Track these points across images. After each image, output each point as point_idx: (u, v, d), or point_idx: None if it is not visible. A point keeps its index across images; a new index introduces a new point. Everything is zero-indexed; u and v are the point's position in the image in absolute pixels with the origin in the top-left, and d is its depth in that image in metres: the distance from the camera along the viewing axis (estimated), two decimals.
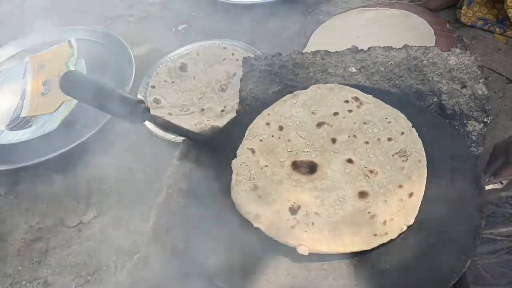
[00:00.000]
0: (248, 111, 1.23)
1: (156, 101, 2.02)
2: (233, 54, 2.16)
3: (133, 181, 1.81)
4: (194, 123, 1.89)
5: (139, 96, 2.05)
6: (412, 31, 1.97)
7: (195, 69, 2.16)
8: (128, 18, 2.64)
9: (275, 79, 1.31)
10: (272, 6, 2.42)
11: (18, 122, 2.09)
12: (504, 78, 1.87)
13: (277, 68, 1.33)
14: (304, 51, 2.00)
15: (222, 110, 1.95)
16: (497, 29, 2.07)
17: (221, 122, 1.21)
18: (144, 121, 1.18)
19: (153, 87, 2.08)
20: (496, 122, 1.70)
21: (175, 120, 1.90)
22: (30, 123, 2.08)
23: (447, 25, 2.00)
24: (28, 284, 1.58)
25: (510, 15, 1.97)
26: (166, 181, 1.14)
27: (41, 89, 2.20)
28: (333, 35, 2.11)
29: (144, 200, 1.71)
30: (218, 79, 2.10)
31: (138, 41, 2.45)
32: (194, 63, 2.17)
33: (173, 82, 2.12)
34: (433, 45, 1.88)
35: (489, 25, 2.08)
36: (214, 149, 1.13)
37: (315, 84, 1.22)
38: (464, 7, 2.10)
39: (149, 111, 1.19)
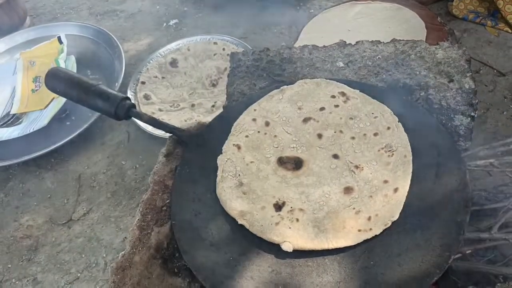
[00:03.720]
0: (234, 106, 1.22)
1: (146, 97, 2.01)
2: (224, 49, 2.15)
3: (123, 178, 1.80)
4: (184, 119, 1.88)
5: (129, 92, 2.04)
6: (403, 25, 1.96)
7: (185, 65, 2.14)
8: (119, 13, 2.63)
9: (262, 74, 1.30)
10: (263, 1, 2.41)
11: (8, 119, 2.08)
12: (495, 71, 1.86)
13: (264, 63, 1.32)
14: (295, 45, 2.00)
15: (213, 106, 1.94)
16: (489, 22, 2.06)
17: (211, 118, 1.20)
18: (130, 118, 1.18)
19: (143, 83, 2.07)
20: (486, 115, 1.70)
21: (165, 116, 1.91)
22: (21, 120, 2.07)
23: (439, 18, 1.99)
24: (17, 282, 1.58)
25: (500, 7, 1.96)
26: (152, 178, 1.14)
27: (31, 85, 2.19)
28: (324, 29, 2.10)
29: (134, 197, 1.71)
30: (208, 75, 2.08)
31: (128, 36, 2.45)
32: (185, 58, 2.16)
33: (163, 77, 2.11)
34: (424, 38, 1.88)
35: (480, 17, 2.07)
36: (200, 146, 1.12)
37: (302, 79, 1.21)
38: (455, 0, 2.09)
39: (135, 108, 1.18)
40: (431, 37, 1.88)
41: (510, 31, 2.00)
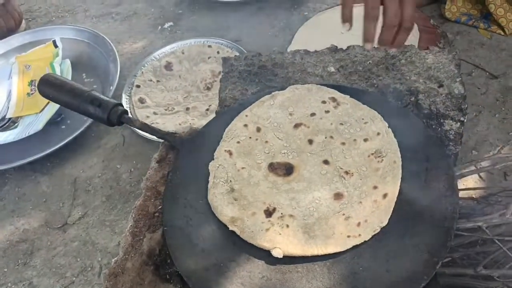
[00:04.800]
0: (226, 112, 1.23)
1: (141, 100, 2.01)
2: (218, 52, 2.16)
3: (118, 182, 1.81)
4: (179, 122, 1.89)
5: (124, 96, 2.05)
6: None
7: (180, 68, 2.15)
8: (114, 16, 2.63)
9: (255, 80, 1.31)
10: (258, 3, 2.43)
11: (4, 123, 2.08)
12: (487, 73, 1.87)
13: (256, 69, 1.33)
14: (289, 48, 2.01)
15: (207, 109, 1.94)
16: (481, 24, 2.07)
17: (206, 121, 1.21)
18: (122, 124, 1.18)
19: (138, 86, 2.07)
20: (478, 118, 1.70)
21: (160, 120, 1.92)
22: (16, 124, 2.07)
23: (431, 21, 2.00)
24: (13, 286, 1.58)
25: (492, 11, 1.97)
26: (144, 184, 1.15)
27: (27, 89, 2.19)
28: (318, 32, 2.11)
29: (129, 201, 1.72)
30: (203, 78, 2.09)
31: (124, 39, 2.45)
32: (179, 61, 2.17)
33: (158, 81, 2.12)
34: (417, 41, 1.89)
35: (473, 20, 2.08)
36: (192, 152, 1.13)
37: (293, 84, 1.22)
38: (448, 3, 2.10)
39: (127, 114, 1.19)
40: (423, 40, 1.89)
41: (502, 33, 2.01)
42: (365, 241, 0.90)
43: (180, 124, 1.87)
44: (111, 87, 2.05)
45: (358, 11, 2.08)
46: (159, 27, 2.50)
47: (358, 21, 2.03)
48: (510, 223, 0.98)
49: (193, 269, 0.92)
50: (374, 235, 0.91)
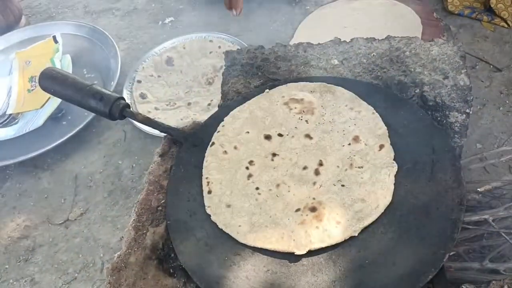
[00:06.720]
0: (229, 105, 1.22)
1: (142, 95, 2.00)
2: (219, 47, 2.14)
3: (120, 177, 1.80)
4: (180, 117, 1.88)
5: (125, 91, 2.03)
6: (399, 20, 1.95)
7: (181, 63, 2.14)
8: (115, 11, 2.62)
9: (257, 73, 1.30)
10: None
11: (5, 120, 2.07)
12: (491, 66, 1.85)
13: (259, 62, 1.32)
14: (291, 42, 1.99)
15: (209, 104, 1.93)
16: (485, 17, 2.05)
17: (207, 116, 1.20)
18: (124, 118, 1.17)
19: (139, 81, 2.06)
20: (483, 111, 1.69)
21: (161, 115, 1.90)
22: (17, 120, 2.06)
23: (434, 14, 1.98)
24: (15, 282, 1.57)
25: (493, 6, 1.96)
26: (147, 178, 1.13)
27: (27, 85, 2.18)
28: (320, 25, 2.09)
29: (131, 196, 1.71)
30: (204, 73, 2.08)
31: (124, 35, 2.44)
32: (181, 56, 2.15)
33: (159, 76, 2.10)
34: (420, 34, 1.87)
35: (476, 13, 2.07)
36: (195, 145, 1.12)
37: (297, 76, 1.21)
38: None
39: (129, 108, 1.18)
40: (427, 33, 1.87)
41: (506, 26, 2.00)
42: (372, 235, 0.89)
43: (181, 119, 1.86)
44: (112, 83, 2.04)
45: (362, 4, 2.08)
46: (160, 22, 2.49)
47: (361, 14, 2.03)
48: None
49: (197, 263, 0.91)
50: (381, 228, 0.89)
